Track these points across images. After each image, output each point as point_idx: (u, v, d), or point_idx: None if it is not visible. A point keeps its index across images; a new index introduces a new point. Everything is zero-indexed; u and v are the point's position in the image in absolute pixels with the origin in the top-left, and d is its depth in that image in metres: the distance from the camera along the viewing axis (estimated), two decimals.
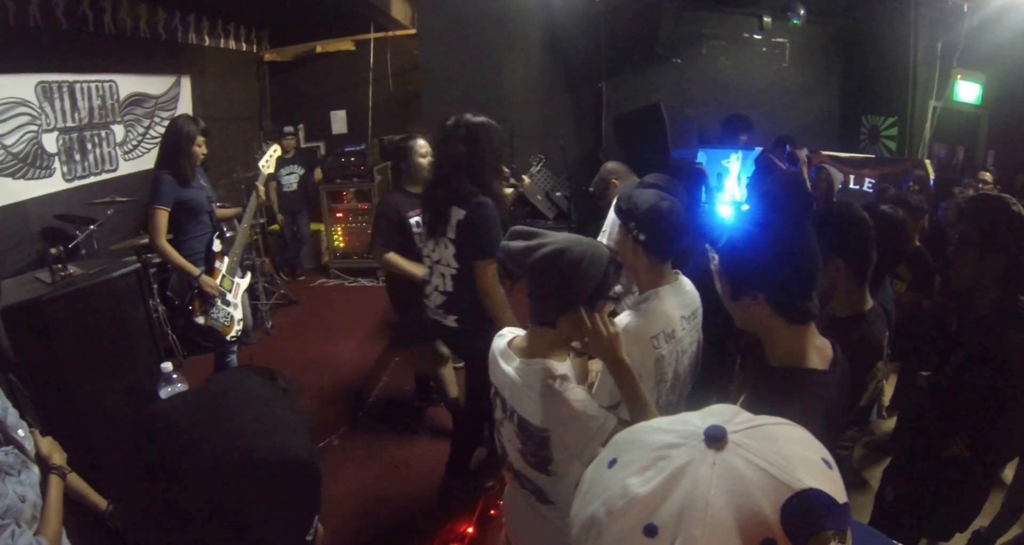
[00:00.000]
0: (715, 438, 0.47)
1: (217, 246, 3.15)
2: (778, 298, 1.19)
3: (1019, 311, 1.77)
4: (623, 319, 1.63)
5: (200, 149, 3.01)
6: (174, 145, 2.95)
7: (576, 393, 1.29)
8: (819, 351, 1.23)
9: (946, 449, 1.77)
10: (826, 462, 0.48)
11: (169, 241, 2.97)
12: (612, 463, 0.51)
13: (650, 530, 0.45)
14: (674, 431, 0.49)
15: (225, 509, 0.61)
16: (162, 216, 2.90)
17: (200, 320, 3.01)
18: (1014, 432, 1.78)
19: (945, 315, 2.56)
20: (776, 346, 1.24)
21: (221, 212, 3.42)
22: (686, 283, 1.78)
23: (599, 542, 0.48)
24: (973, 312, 1.89)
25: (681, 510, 0.44)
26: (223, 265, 3.15)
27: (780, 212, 1.22)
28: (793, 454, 0.47)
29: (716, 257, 1.28)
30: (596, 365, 1.75)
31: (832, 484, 0.46)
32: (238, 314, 3.18)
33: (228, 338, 3.12)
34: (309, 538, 0.70)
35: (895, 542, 0.62)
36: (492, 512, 2.65)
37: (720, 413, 0.51)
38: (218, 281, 3.08)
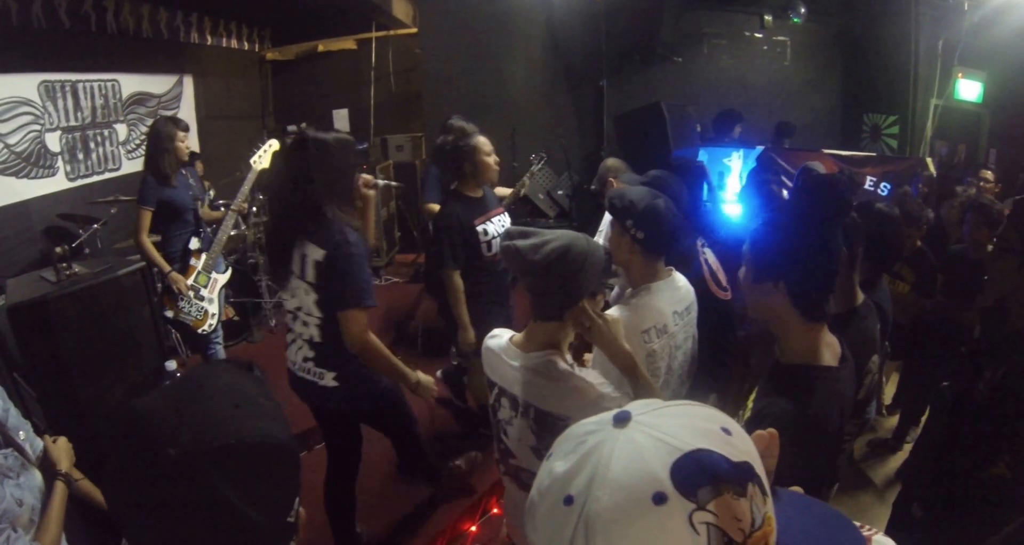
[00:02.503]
0: (621, 419, 0.54)
1: (195, 244, 3.28)
2: (798, 291, 1.20)
3: None
4: (613, 314, 1.63)
5: (182, 144, 3.14)
6: (154, 147, 3.11)
7: (595, 377, 1.33)
8: (830, 347, 1.24)
9: (986, 470, 1.73)
10: (725, 430, 0.54)
11: (157, 242, 3.16)
12: (549, 457, 0.58)
13: (568, 500, 0.51)
14: (595, 422, 0.57)
15: (207, 491, 0.63)
16: (145, 215, 3.09)
17: (169, 314, 3.15)
18: None
19: (947, 315, 2.54)
20: (789, 341, 1.25)
21: (207, 214, 3.55)
22: (679, 279, 1.79)
23: (534, 520, 0.55)
24: (1008, 323, 1.80)
25: (590, 479, 0.51)
26: (199, 262, 3.27)
27: (810, 211, 1.22)
28: (688, 425, 0.53)
29: (708, 252, 1.28)
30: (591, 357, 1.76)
31: (729, 447, 0.52)
32: (212, 308, 3.28)
33: (200, 331, 3.24)
34: (291, 519, 0.72)
35: (856, 524, 0.65)
36: (495, 511, 2.66)
37: (638, 403, 0.58)
38: (192, 278, 3.21)
